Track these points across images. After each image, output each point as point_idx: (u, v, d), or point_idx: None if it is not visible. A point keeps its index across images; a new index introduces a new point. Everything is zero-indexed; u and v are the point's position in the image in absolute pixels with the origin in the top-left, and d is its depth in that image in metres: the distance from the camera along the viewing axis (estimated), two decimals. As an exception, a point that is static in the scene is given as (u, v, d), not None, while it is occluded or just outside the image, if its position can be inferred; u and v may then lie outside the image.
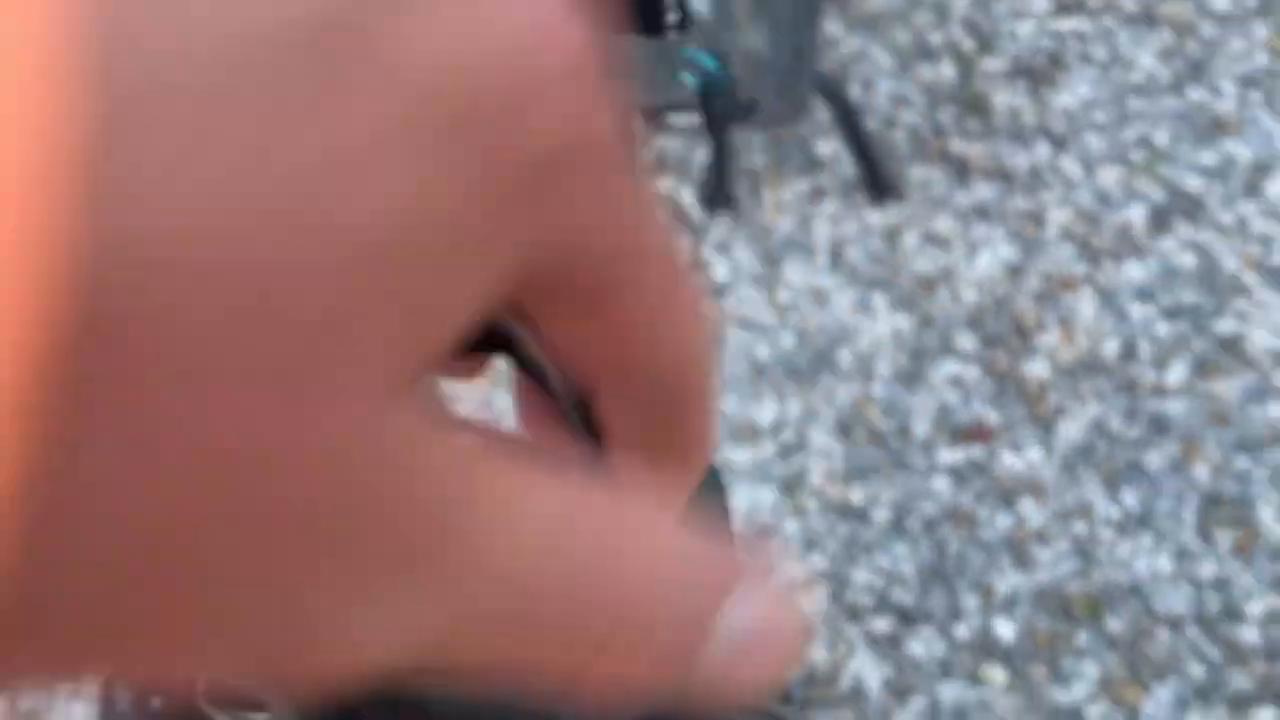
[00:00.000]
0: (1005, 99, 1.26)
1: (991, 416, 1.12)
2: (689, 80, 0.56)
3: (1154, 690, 1.00)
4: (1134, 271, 1.15)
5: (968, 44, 1.30)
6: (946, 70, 1.29)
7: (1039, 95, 1.26)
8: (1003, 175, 1.23)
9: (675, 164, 1.33)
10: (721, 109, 0.70)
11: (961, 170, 1.24)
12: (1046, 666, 1.02)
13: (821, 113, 1.25)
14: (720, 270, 1.27)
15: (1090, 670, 1.01)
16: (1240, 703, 1.00)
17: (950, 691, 1.02)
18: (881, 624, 1.05)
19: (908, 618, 1.05)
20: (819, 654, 1.04)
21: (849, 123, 1.19)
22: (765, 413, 1.18)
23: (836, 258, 1.24)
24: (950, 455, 1.11)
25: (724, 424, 1.19)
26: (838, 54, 1.33)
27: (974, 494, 1.09)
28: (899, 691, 1.03)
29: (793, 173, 1.29)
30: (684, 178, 1.31)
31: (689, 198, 1.31)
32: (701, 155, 1.33)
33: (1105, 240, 1.17)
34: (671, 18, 0.51)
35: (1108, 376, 1.11)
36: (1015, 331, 1.15)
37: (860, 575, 1.07)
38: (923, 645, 1.04)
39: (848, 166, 1.25)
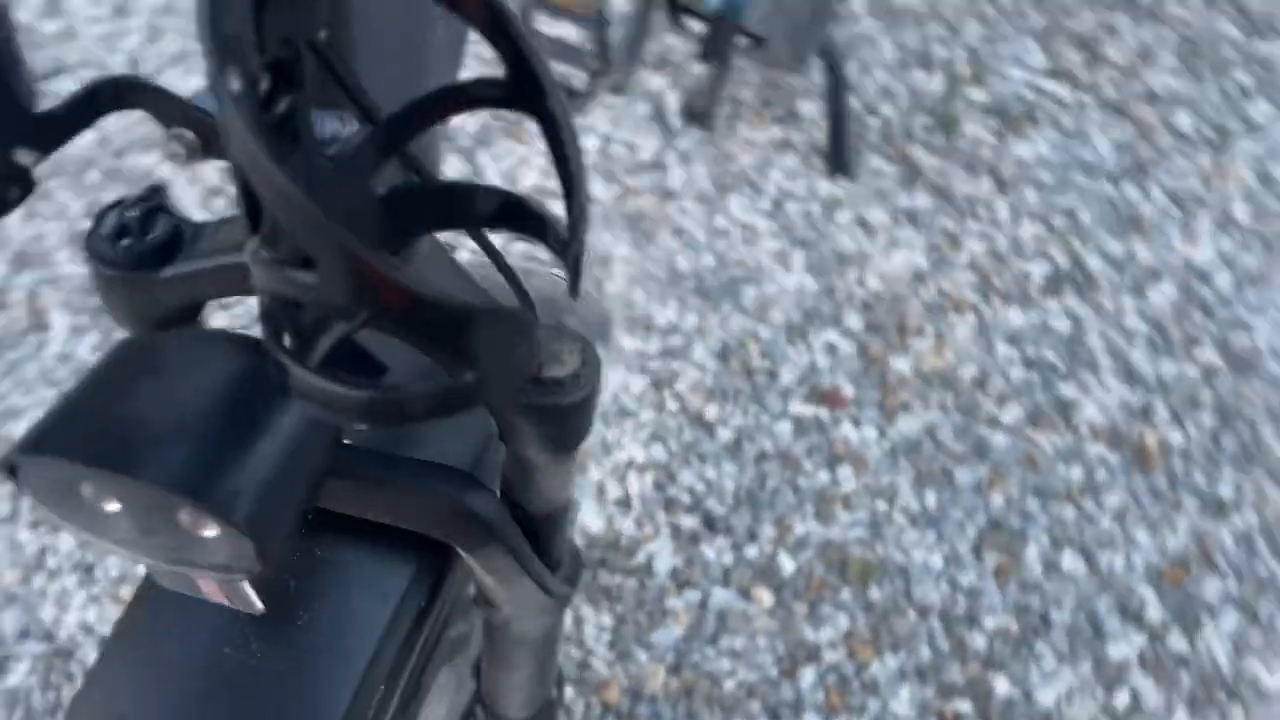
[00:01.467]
0: (974, 129, 1.37)
1: (848, 390, 1.25)
2: None
3: (885, 657, 1.16)
4: (1015, 317, 1.28)
5: (964, 68, 1.40)
6: (935, 83, 1.40)
7: (1003, 137, 1.37)
8: (944, 193, 1.34)
9: (673, 66, 1.41)
10: (728, 33, 0.78)
11: (912, 175, 1.35)
12: (808, 606, 1.17)
13: (818, 76, 1.34)
14: (675, 177, 1.36)
15: (841, 622, 1.16)
16: (947, 691, 1.16)
17: (722, 596, 1.16)
18: (689, 522, 1.18)
19: (712, 525, 1.19)
20: (628, 527, 1.17)
21: (836, 94, 1.29)
22: (665, 315, 1.29)
23: (777, 207, 1.34)
24: (801, 408, 1.24)
25: (627, 312, 1.29)
26: (850, 30, 1.42)
27: (807, 446, 1.23)
28: (681, 582, 1.16)
29: (771, 118, 1.39)
30: (676, 82, 1.39)
31: (673, 102, 1.40)
32: (699, 68, 1.41)
33: (1003, 281, 1.30)
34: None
35: (956, 394, 1.25)
36: (898, 328, 1.28)
37: (687, 477, 1.20)
38: (715, 551, 1.18)
39: (818, 133, 1.34)
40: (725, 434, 1.23)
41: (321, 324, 0.36)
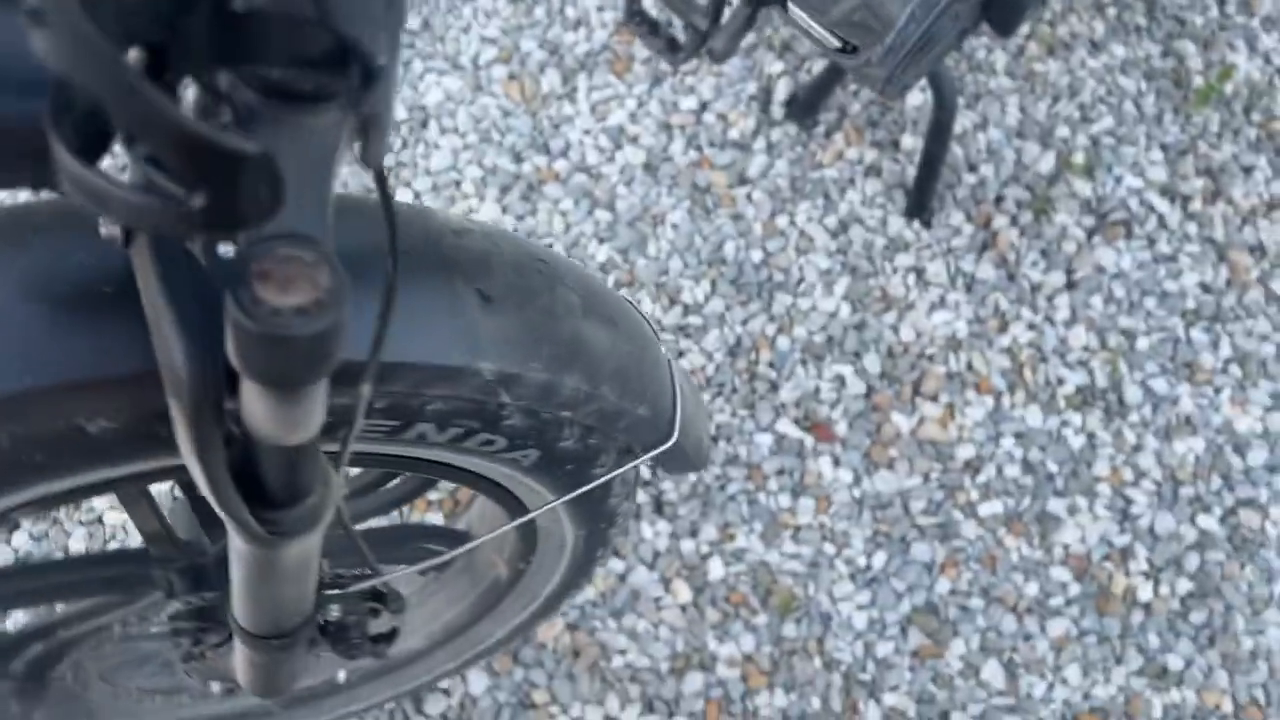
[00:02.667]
0: (1066, 219, 1.32)
1: (841, 427, 1.23)
2: None
3: (776, 693, 1.14)
4: (1033, 416, 1.24)
5: (1079, 157, 1.35)
6: (1045, 162, 1.34)
7: (1091, 237, 1.32)
8: (1010, 272, 1.30)
9: (795, 56, 1.38)
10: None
11: (986, 243, 1.31)
12: (720, 616, 1.16)
13: (914, 116, 1.30)
14: (755, 164, 1.33)
15: (746, 643, 1.15)
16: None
17: (643, 576, 1.16)
18: (640, 497, 1.18)
19: (659, 508, 1.18)
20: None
21: (938, 135, 1.25)
22: (693, 293, 1.28)
23: (843, 228, 1.31)
24: (788, 428, 1.22)
25: (658, 278, 1.28)
26: (981, 82, 1.38)
27: (779, 466, 1.21)
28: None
29: (870, 140, 1.35)
30: (792, 72, 1.36)
31: (781, 91, 1.36)
32: (818, 65, 1.37)
33: (1035, 378, 1.26)
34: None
35: (944, 470, 1.22)
36: (913, 385, 1.25)
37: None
38: (653, 533, 1.17)
39: (912, 170, 1.30)
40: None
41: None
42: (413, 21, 1.41)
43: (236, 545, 0.56)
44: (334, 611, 0.77)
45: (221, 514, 0.51)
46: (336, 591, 0.75)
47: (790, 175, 1.34)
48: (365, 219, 0.57)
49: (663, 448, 0.73)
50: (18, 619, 1.04)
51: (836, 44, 0.92)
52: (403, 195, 1.32)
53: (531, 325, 0.61)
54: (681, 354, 1.25)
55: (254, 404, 0.45)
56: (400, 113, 1.36)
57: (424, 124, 1.35)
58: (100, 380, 0.49)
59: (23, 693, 0.86)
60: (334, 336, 0.42)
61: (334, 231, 0.44)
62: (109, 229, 0.47)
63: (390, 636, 0.83)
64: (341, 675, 0.95)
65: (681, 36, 1.13)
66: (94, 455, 0.53)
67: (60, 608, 0.87)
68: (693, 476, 1.20)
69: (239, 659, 0.71)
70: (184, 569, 0.77)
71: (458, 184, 1.32)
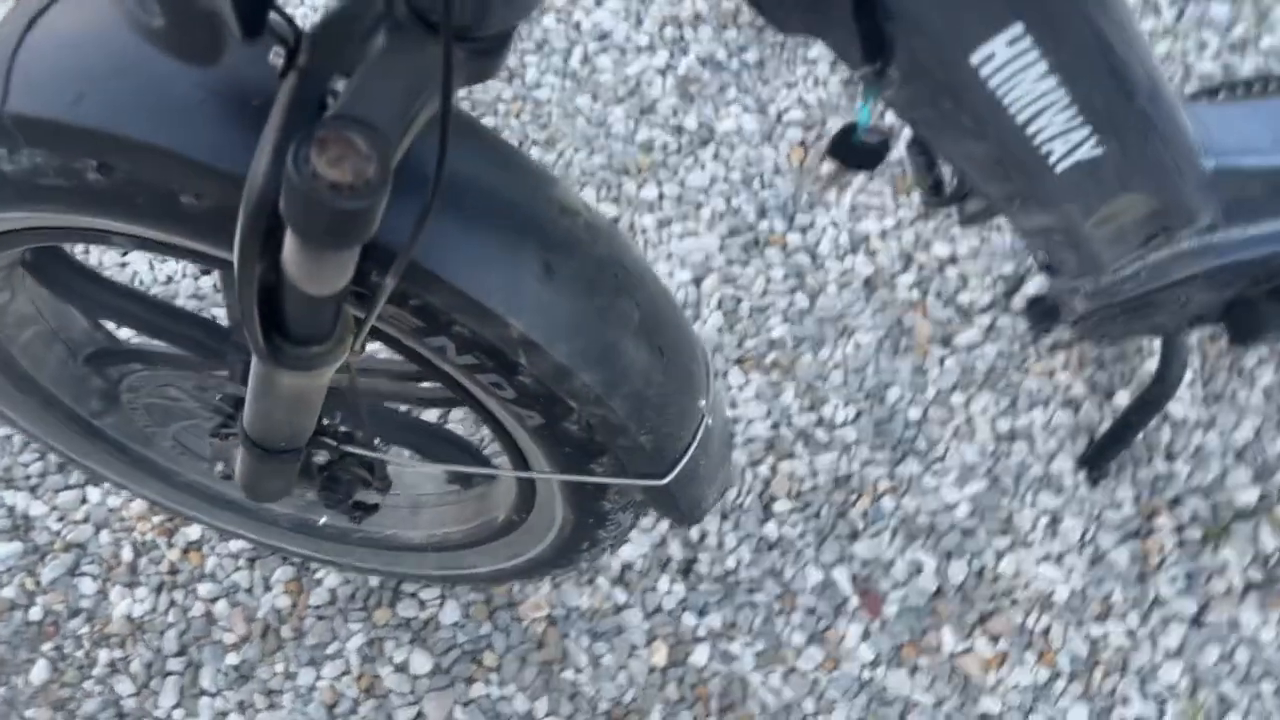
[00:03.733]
0: (1230, 560, 1.22)
1: (891, 606, 1.19)
2: (862, 110, 0.67)
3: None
4: (1077, 714, 1.16)
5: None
6: (1246, 496, 1.24)
7: (1241, 596, 1.21)
8: (1144, 569, 1.21)
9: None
10: (851, 150, 0.78)
11: (1138, 532, 1.22)
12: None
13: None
14: (965, 337, 1.31)
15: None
16: None
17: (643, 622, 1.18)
18: (675, 563, 1.19)
19: (688, 572, 1.20)
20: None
21: (1149, 402, 1.18)
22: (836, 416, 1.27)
23: (1012, 438, 1.27)
24: (842, 579, 1.20)
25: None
26: (1234, 383, 1.28)
27: (826, 598, 1.19)
28: (626, 582, 1.19)
29: (1085, 375, 1.29)
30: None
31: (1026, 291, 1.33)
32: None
33: (1093, 679, 1.17)
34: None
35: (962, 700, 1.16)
36: (979, 616, 1.19)
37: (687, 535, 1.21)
38: (672, 598, 1.19)
39: (1106, 422, 1.24)
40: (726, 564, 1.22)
41: None
42: (752, 55, 1.47)
43: (254, 360, 0.64)
44: (325, 457, 0.84)
45: (241, 320, 0.59)
46: (331, 442, 0.82)
47: (992, 362, 1.30)
48: (506, 165, 0.64)
49: (649, 482, 0.75)
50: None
51: (1039, 257, 0.90)
52: (646, 194, 1.39)
53: (576, 314, 0.65)
54: (790, 456, 1.25)
55: (288, 247, 0.52)
56: (690, 124, 1.42)
57: (704, 142, 1.42)
58: (204, 165, 0.58)
59: (105, 395, 1.00)
60: (360, 220, 0.48)
61: (441, 150, 0.50)
62: (275, 57, 0.55)
63: (369, 509, 0.90)
64: (322, 520, 1.04)
65: (949, 184, 1.13)
66: (178, 220, 0.62)
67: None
68: (730, 562, 1.20)
69: (239, 456, 0.79)
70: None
71: (698, 207, 1.38)
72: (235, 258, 0.55)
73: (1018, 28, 0.60)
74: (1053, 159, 0.69)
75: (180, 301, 1.32)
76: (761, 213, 1.38)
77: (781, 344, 1.31)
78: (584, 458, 0.75)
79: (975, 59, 0.62)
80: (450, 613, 1.19)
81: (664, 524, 1.22)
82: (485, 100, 1.45)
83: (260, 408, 0.71)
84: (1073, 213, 0.75)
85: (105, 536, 1.22)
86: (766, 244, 1.36)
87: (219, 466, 0.90)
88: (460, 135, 0.60)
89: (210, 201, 0.60)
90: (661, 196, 1.39)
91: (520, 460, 0.81)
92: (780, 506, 1.23)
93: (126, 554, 1.21)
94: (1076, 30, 0.63)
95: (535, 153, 1.40)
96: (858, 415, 1.28)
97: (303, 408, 0.71)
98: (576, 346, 0.66)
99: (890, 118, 1.39)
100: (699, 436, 0.76)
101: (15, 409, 0.96)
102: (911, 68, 0.62)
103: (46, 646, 1.17)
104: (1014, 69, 0.63)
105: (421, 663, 1.16)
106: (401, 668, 1.16)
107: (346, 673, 1.16)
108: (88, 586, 1.20)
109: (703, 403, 0.75)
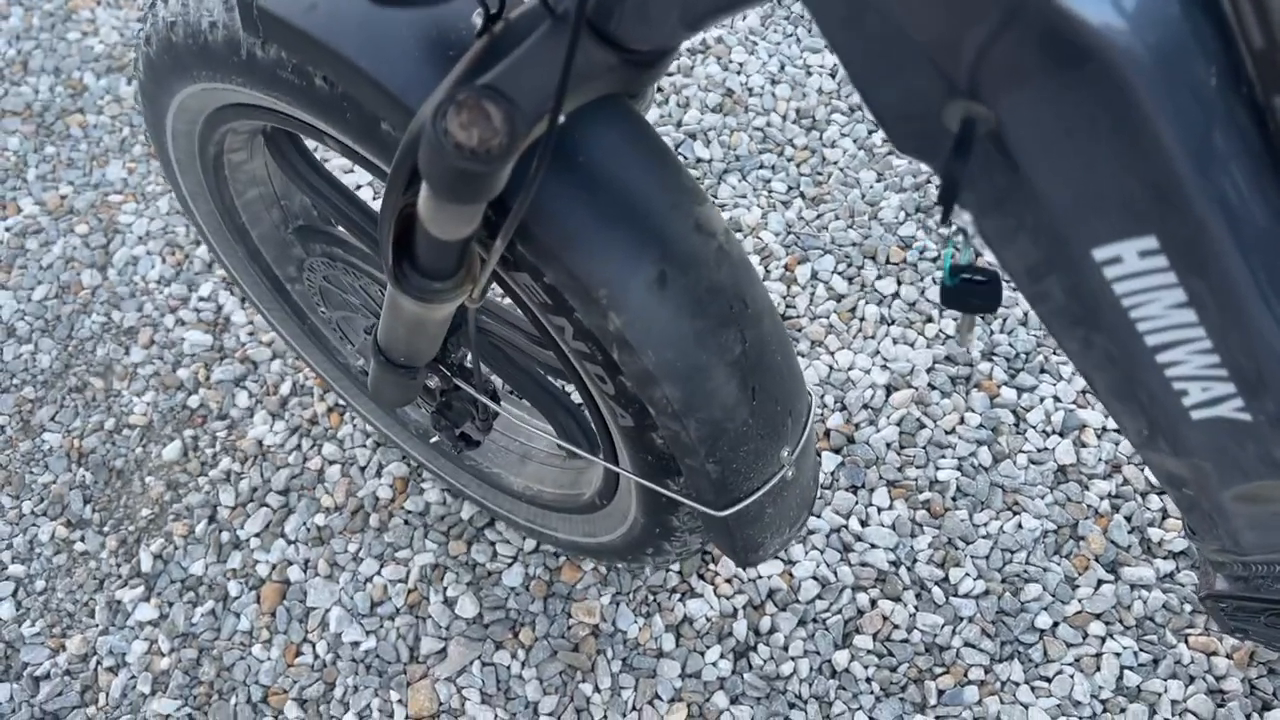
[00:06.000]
0: None
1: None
2: (946, 269, 0.57)
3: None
4: None
5: None
6: None
7: None
8: None
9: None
10: (958, 295, 0.62)
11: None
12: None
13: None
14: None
15: None
16: None
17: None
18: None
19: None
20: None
21: None
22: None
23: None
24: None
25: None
26: None
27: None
28: (647, 608, 1.17)
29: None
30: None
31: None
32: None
33: None
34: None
35: None
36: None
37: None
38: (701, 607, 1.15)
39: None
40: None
41: None
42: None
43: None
44: (438, 385, 0.89)
45: (378, 242, 0.63)
46: (445, 373, 0.86)
47: (1152, 610, 1.17)
48: (656, 172, 0.64)
49: (707, 510, 0.75)
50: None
51: (1178, 505, 0.78)
52: (883, 287, 1.34)
53: (675, 330, 0.65)
54: (897, 600, 1.18)
55: (422, 191, 0.56)
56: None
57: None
58: (394, 97, 0.62)
59: (300, 264, 1.09)
60: (479, 182, 0.51)
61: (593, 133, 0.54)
62: (477, 17, 0.58)
63: (470, 442, 0.94)
64: (434, 439, 1.10)
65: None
66: (378, 145, 0.68)
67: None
68: (786, 668, 1.16)
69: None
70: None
71: (928, 320, 1.32)
72: (386, 187, 0.60)
73: (1150, 240, 0.46)
74: (1188, 401, 0.54)
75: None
76: (990, 354, 1.30)
77: (943, 488, 1.24)
78: (662, 471, 0.77)
79: (1099, 255, 0.48)
80: (513, 576, 1.21)
81: (740, 599, 1.18)
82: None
83: (388, 322, 0.76)
84: (1209, 474, 0.59)
85: (276, 365, 1.33)
86: (978, 385, 1.29)
87: (359, 362, 0.96)
88: (625, 137, 0.61)
89: (403, 135, 0.64)
90: (896, 295, 1.34)
91: (610, 452, 0.83)
92: (861, 642, 1.17)
93: (285, 388, 1.31)
94: (1221, 270, 0.47)
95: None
96: (985, 593, 1.19)
97: (422, 333, 0.75)
98: (665, 357, 0.66)
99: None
100: (771, 484, 0.74)
101: (226, 252, 1.07)
102: (1019, 224, 0.49)
103: (188, 433, 1.29)
104: (1144, 284, 0.49)
105: (467, 607, 1.19)
106: (449, 603, 1.20)
107: (403, 580, 1.21)
108: (243, 399, 1.31)
109: (786, 453, 0.74)
